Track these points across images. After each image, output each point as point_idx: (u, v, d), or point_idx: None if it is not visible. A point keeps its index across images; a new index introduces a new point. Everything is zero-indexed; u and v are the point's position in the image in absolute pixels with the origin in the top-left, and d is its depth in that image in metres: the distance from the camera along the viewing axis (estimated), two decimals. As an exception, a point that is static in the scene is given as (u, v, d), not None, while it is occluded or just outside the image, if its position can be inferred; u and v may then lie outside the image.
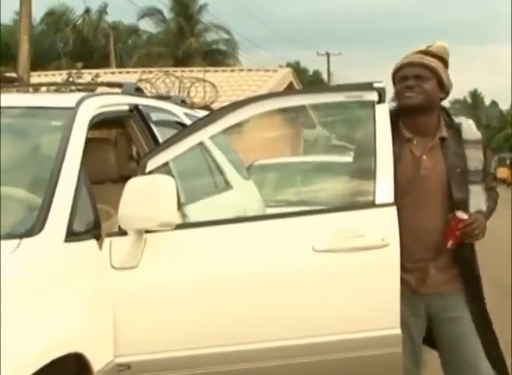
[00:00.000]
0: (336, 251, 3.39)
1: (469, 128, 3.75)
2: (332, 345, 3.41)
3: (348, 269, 3.42)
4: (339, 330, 3.40)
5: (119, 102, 4.09)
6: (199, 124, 3.75)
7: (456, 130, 3.72)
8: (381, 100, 3.64)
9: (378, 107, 3.64)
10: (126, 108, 4.09)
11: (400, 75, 3.72)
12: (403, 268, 3.55)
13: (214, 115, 3.79)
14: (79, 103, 3.61)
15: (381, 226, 3.45)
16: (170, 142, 3.64)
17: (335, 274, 3.42)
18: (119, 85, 4.55)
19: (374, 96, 3.65)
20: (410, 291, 3.66)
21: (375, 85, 3.66)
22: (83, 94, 3.95)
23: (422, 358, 3.86)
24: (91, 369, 2.98)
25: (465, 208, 3.60)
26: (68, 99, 3.79)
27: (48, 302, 2.84)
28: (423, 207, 3.61)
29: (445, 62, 3.74)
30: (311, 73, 65.91)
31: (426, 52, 3.71)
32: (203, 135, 3.76)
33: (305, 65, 61.35)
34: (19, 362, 2.57)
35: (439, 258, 3.67)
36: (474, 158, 3.69)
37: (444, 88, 3.73)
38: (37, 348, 2.68)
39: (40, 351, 2.70)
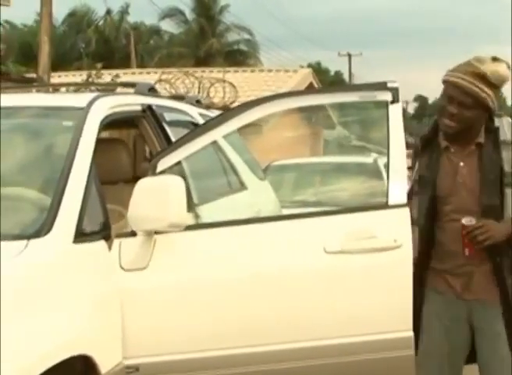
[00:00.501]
0: (347, 253, 3.35)
1: (506, 129, 3.58)
2: (344, 348, 3.37)
3: (360, 271, 3.37)
4: (350, 333, 3.36)
5: (131, 102, 4.07)
6: (212, 123, 3.72)
7: (494, 133, 3.55)
8: (394, 100, 3.59)
9: (391, 107, 3.59)
10: (139, 108, 4.06)
11: (446, 91, 3.49)
12: (449, 273, 3.49)
13: (227, 114, 3.75)
14: (90, 103, 3.58)
15: (393, 227, 3.41)
16: (182, 142, 3.61)
17: (346, 276, 3.38)
18: (133, 85, 4.53)
19: (388, 96, 3.60)
20: (455, 296, 3.55)
21: (389, 85, 3.61)
22: (95, 94, 3.93)
23: (461, 368, 3.68)
24: (99, 371, 2.96)
25: (498, 214, 3.48)
26: (80, 99, 3.77)
27: (55, 304, 2.82)
28: (463, 213, 3.49)
29: (498, 88, 3.48)
30: (332, 73, 65.78)
31: (481, 77, 3.40)
32: (216, 134, 3.73)
33: (327, 65, 61.24)
34: (23, 362, 2.55)
35: (484, 265, 3.51)
36: (507, 160, 3.52)
37: (489, 111, 3.51)
38: (44, 349, 2.67)
39: (46, 352, 2.68)
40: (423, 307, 3.56)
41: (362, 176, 7.93)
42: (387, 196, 3.46)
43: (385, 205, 3.47)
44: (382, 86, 3.62)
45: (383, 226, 3.41)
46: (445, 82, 3.52)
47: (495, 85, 3.45)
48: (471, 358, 3.62)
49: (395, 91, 3.59)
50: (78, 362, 2.88)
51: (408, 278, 3.36)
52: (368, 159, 9.10)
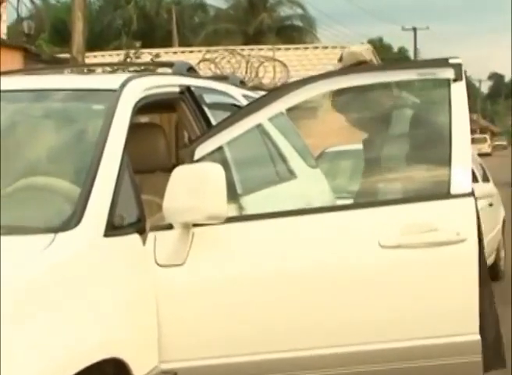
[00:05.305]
0: (405, 247, 3.33)
1: None
2: (401, 353, 3.36)
3: (419, 268, 3.36)
4: (407, 336, 3.35)
5: (168, 83, 4.08)
6: (255, 105, 3.73)
7: None
8: (457, 78, 3.56)
9: (453, 86, 3.56)
10: (177, 89, 4.07)
11: None
12: None
13: (271, 95, 3.75)
14: (123, 85, 3.60)
15: (456, 218, 3.39)
16: (222, 126, 3.62)
17: (404, 273, 3.36)
18: (170, 65, 4.55)
19: (450, 73, 3.57)
20: None
21: (451, 61, 3.59)
22: (129, 74, 3.95)
23: None
24: None
25: None
26: (112, 81, 3.79)
27: (84, 303, 2.85)
28: None
29: None
30: (395, 49, 65.33)
31: None
32: (260, 117, 3.74)
33: (389, 41, 60.86)
34: (51, 365, 2.58)
35: None
36: None
37: None
38: (73, 352, 2.70)
39: (75, 354, 2.71)
40: None
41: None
42: (449, 185, 3.44)
43: (446, 195, 3.44)
44: (443, 62, 3.60)
45: (445, 218, 3.39)
46: None
47: None
48: None
49: (458, 68, 3.56)
50: (109, 365, 2.90)
51: (473, 275, 3.34)
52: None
